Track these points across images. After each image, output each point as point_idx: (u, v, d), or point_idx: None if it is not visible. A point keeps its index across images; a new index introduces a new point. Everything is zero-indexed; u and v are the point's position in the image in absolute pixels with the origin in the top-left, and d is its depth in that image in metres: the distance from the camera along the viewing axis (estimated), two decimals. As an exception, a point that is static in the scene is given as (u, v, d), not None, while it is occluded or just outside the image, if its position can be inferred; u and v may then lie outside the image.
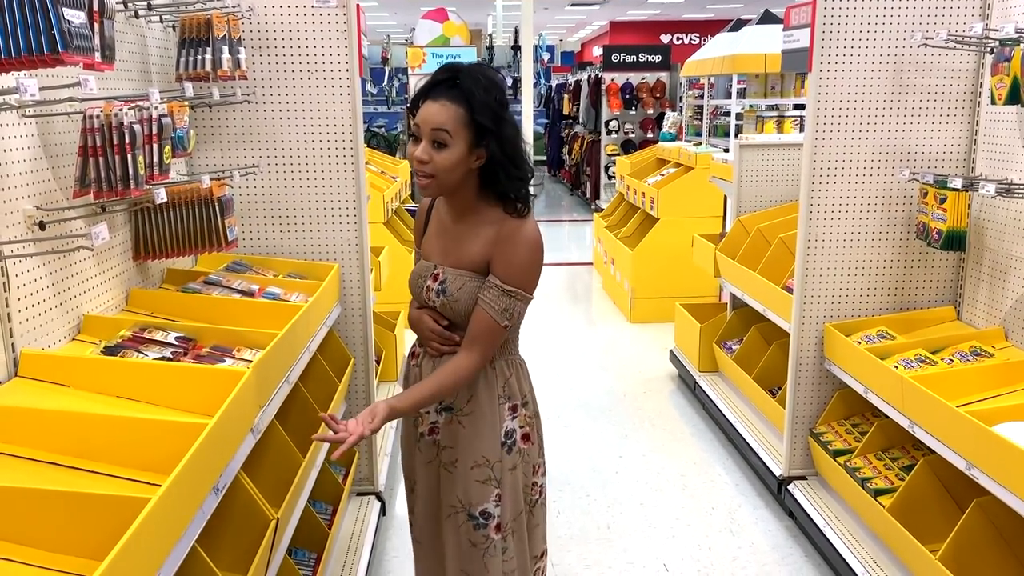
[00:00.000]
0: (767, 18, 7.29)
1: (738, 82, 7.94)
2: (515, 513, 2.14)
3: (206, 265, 3.12)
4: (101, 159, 2.03)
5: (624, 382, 5.38)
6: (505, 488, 2.10)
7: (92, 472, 1.66)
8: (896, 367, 2.93)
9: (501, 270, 1.97)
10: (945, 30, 3.01)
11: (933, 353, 3.04)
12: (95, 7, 1.92)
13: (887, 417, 3.03)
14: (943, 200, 3.03)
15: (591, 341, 6.17)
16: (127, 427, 1.70)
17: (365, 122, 15.13)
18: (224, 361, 2.18)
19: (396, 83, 17.66)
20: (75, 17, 1.72)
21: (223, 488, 1.78)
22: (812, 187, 3.31)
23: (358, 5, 3.21)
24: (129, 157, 2.04)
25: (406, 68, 12.89)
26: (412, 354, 2.21)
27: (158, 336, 2.23)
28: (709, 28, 22.74)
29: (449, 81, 1.94)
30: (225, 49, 2.82)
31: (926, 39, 3.05)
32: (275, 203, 3.29)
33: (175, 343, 2.22)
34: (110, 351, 2.09)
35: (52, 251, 2.04)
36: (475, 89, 1.91)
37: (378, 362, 4.49)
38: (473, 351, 1.99)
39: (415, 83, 11.06)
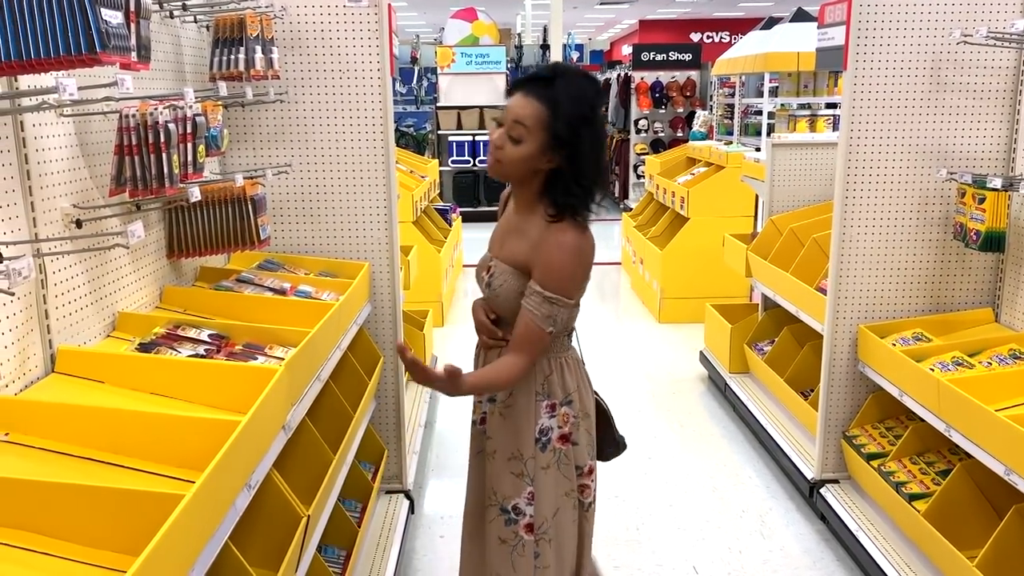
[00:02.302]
0: (800, 16, 7.21)
1: (770, 80, 7.88)
2: (550, 515, 2.09)
3: (238, 263, 3.15)
4: (136, 158, 2.05)
5: (653, 383, 5.35)
6: (538, 487, 2.08)
7: (127, 468, 1.67)
8: (932, 370, 2.89)
9: (539, 275, 1.97)
10: (984, 27, 2.95)
11: (970, 356, 2.99)
12: (131, 7, 1.94)
13: (922, 421, 2.98)
14: (982, 200, 2.98)
15: (619, 341, 6.14)
16: (161, 424, 1.71)
17: (394, 121, 15.23)
18: (256, 359, 2.19)
19: (425, 82, 17.73)
20: (113, 17, 1.73)
21: (255, 485, 1.79)
22: (847, 186, 3.26)
23: (390, 5, 3.22)
24: (164, 156, 2.06)
25: (435, 68, 12.93)
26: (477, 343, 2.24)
27: (191, 333, 2.25)
28: (739, 26, 22.57)
29: (545, 80, 1.94)
30: (258, 49, 2.84)
31: (965, 36, 3.00)
32: (307, 202, 3.30)
33: (208, 340, 2.24)
34: (144, 348, 2.11)
35: (89, 248, 2.06)
36: (563, 97, 1.92)
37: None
38: (519, 354, 2.01)
39: (445, 82, 11.10)
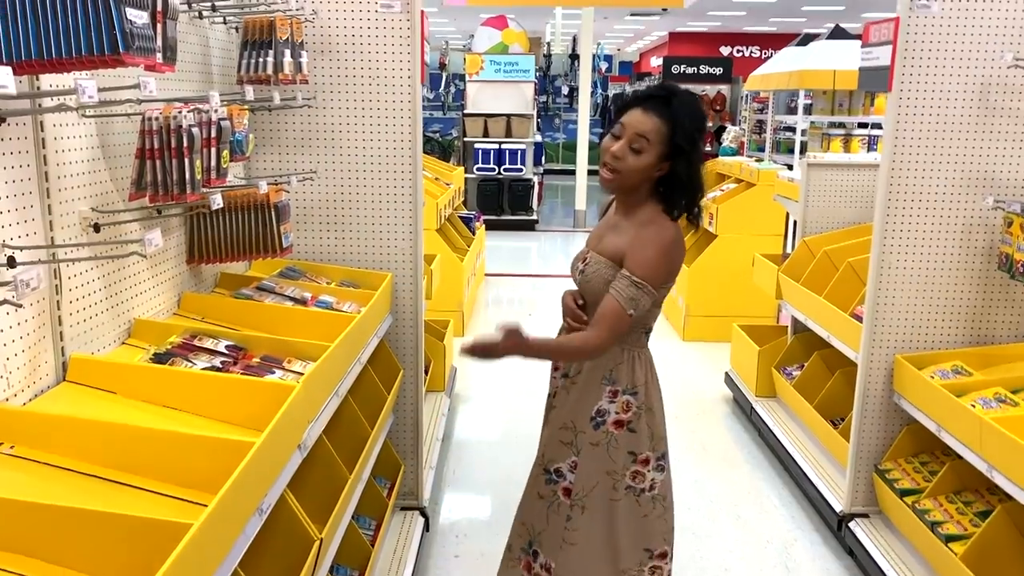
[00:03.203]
0: (837, 33, 7.08)
1: (804, 98, 7.75)
2: (589, 487, 2.25)
3: (259, 270, 3.08)
4: (158, 162, 1.99)
5: (677, 403, 5.23)
6: (582, 459, 2.26)
7: (134, 487, 1.60)
8: (974, 406, 2.77)
9: (631, 263, 2.14)
10: (1040, 51, 2.84)
11: (1013, 393, 2.86)
12: (159, 7, 1.87)
13: (960, 458, 2.86)
14: (1031, 231, 2.86)
15: (642, 358, 6.03)
16: (172, 442, 1.64)
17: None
18: (274, 372, 2.12)
19: (453, 89, 17.74)
20: (138, 18, 1.67)
21: (267, 509, 1.71)
22: (888, 211, 3.15)
23: (423, 11, 3.15)
24: (187, 161, 2.00)
25: (463, 74, 12.91)
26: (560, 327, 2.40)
27: (208, 344, 2.19)
28: (771, 41, 22.38)
29: (663, 99, 2.16)
30: (287, 52, 2.78)
31: (1018, 60, 2.88)
32: (331, 209, 3.24)
33: (225, 352, 2.17)
34: (159, 358, 2.04)
35: (104, 256, 2.00)
36: (683, 114, 2.15)
37: (426, 372, 4.43)
38: (598, 329, 2.17)
39: (473, 90, 11.05)
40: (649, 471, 2.27)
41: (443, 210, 6.71)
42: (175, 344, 2.17)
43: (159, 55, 1.89)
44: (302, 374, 2.13)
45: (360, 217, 3.24)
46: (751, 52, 22.95)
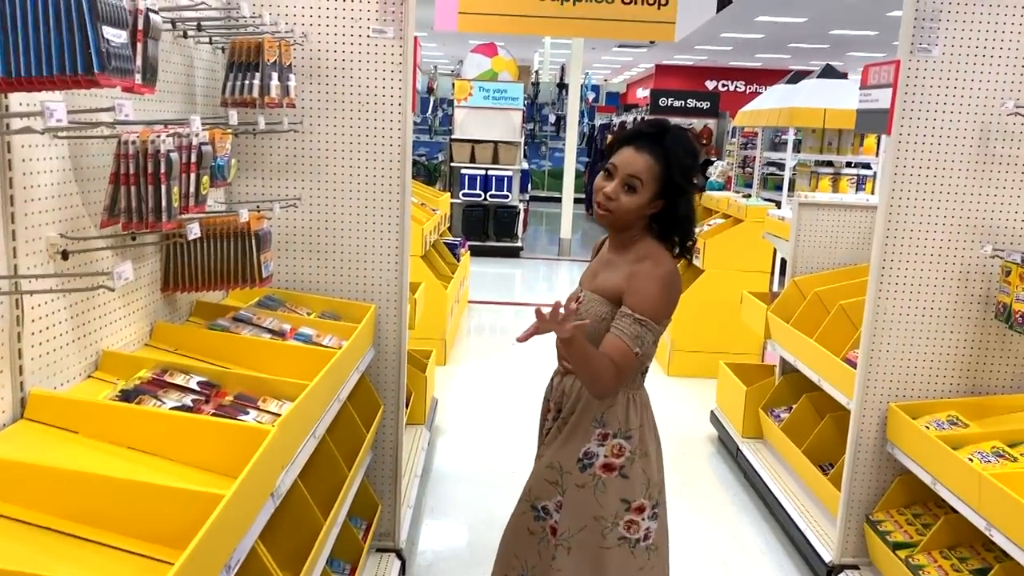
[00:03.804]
0: (828, 72, 7.10)
1: (784, 134, 7.74)
2: (575, 529, 2.18)
3: (237, 299, 2.97)
4: (133, 188, 1.88)
5: (661, 440, 5.13)
6: (568, 500, 2.19)
7: (94, 542, 1.48)
8: (971, 459, 2.69)
9: (632, 300, 2.09)
10: (1042, 99, 2.80)
11: (1011, 447, 2.79)
12: (140, 25, 1.78)
13: (955, 512, 2.78)
14: (1030, 281, 2.80)
15: (626, 393, 5.93)
16: (136, 493, 1.52)
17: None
18: (248, 413, 2.00)
19: (440, 113, 17.73)
20: (116, 36, 1.57)
21: (236, 564, 1.59)
22: (884, 256, 3.09)
23: (416, 38, 3.08)
24: (163, 187, 1.89)
25: (451, 99, 12.87)
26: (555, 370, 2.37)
27: (179, 380, 2.07)
28: (756, 77, 22.62)
29: (654, 136, 2.15)
30: (275, 75, 2.68)
31: (1019, 107, 2.84)
32: (314, 237, 3.13)
33: (197, 389, 2.05)
34: (126, 396, 1.92)
35: (69, 289, 1.88)
36: (676, 151, 2.13)
37: (407, 403, 4.31)
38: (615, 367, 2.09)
39: (461, 115, 11.01)
40: (644, 519, 2.20)
41: (428, 236, 6.61)
42: (144, 380, 2.05)
43: (138, 76, 1.79)
44: (277, 415, 2.02)
45: (344, 246, 3.14)
46: (736, 87, 23.17)
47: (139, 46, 1.78)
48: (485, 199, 11.06)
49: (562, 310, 1.95)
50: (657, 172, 2.12)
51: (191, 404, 1.97)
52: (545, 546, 2.26)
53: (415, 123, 17.51)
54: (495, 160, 11.02)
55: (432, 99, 18.04)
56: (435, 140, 16.12)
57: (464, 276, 7.81)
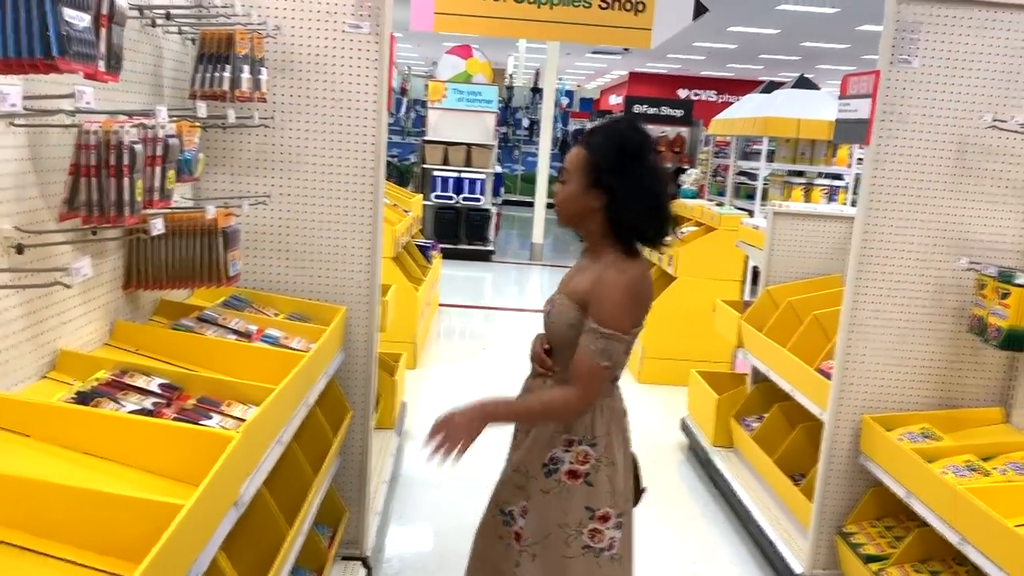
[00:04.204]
0: (802, 83, 7.14)
1: (755, 144, 7.78)
2: (540, 536, 2.17)
3: (202, 298, 2.88)
4: (94, 180, 1.80)
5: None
6: (532, 506, 2.18)
7: (44, 555, 1.39)
8: (945, 473, 2.68)
9: (595, 313, 2.06)
10: (1021, 113, 2.80)
11: (984, 460, 2.78)
12: (104, 10, 1.70)
13: (927, 525, 2.77)
14: (1005, 295, 2.80)
15: (596, 399, 5.89)
16: (90, 502, 1.44)
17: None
18: (211, 418, 1.92)
19: (413, 114, 17.63)
20: (78, 19, 1.49)
21: (195, 577, 1.51)
22: (861, 267, 3.08)
23: (392, 35, 3.01)
24: (126, 180, 1.81)
25: (424, 100, 12.77)
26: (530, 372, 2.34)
27: (140, 382, 1.98)
28: (727, 86, 22.81)
29: (591, 130, 2.18)
30: (246, 68, 2.60)
31: (997, 120, 2.84)
32: (284, 236, 3.05)
33: (158, 392, 1.97)
34: (83, 398, 1.83)
35: (23, 285, 1.79)
36: (598, 138, 2.12)
37: (376, 407, 4.23)
38: (575, 388, 2.08)
39: (434, 117, 10.93)
40: (608, 528, 2.16)
41: (400, 238, 6.53)
42: (103, 381, 1.96)
43: (102, 62, 1.71)
44: (242, 420, 1.94)
45: (314, 246, 3.06)
46: (707, 96, 23.33)
47: (103, 32, 1.70)
48: (457, 202, 10.99)
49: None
50: (583, 160, 2.10)
51: (151, 407, 1.88)
52: (512, 551, 2.22)
53: (388, 124, 17.43)
54: (468, 163, 10.95)
55: (405, 100, 17.94)
56: (407, 141, 16.02)
57: (435, 279, 7.74)
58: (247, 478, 1.85)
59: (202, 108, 2.20)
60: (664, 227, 2.12)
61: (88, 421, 1.72)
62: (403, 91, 18.37)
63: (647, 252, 2.21)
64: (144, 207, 1.98)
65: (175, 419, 1.87)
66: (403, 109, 17.54)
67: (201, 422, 1.88)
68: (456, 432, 2.07)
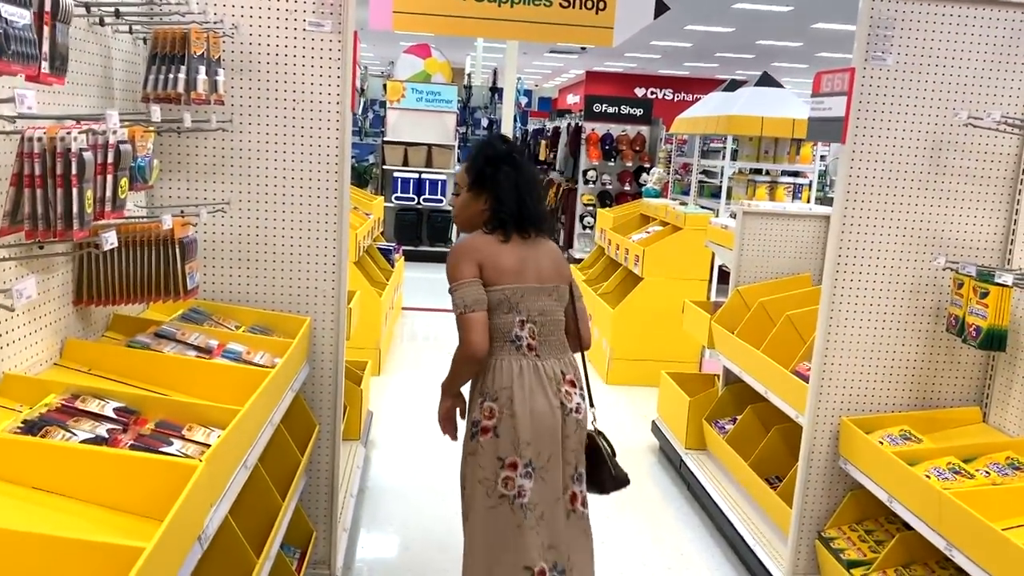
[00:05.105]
0: (765, 80, 7.13)
1: (715, 142, 7.78)
2: (469, 497, 2.48)
3: (159, 312, 2.73)
4: (39, 191, 1.66)
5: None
6: (462, 468, 2.53)
7: (-16, 607, 1.26)
8: (928, 476, 2.64)
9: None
10: (997, 110, 2.77)
11: (966, 462, 2.75)
12: (47, 7, 1.56)
13: (909, 528, 2.73)
14: (984, 295, 2.77)
15: (565, 403, 5.81)
16: (39, 547, 1.30)
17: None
18: (171, 444, 1.79)
19: (371, 115, 17.38)
20: (17, 17, 1.36)
21: (157, 624, 1.39)
22: (837, 267, 3.03)
23: (356, 32, 2.89)
24: (75, 191, 1.67)
25: (382, 100, 12.59)
26: None
27: (93, 407, 1.84)
28: (684, 85, 22.94)
29: (472, 152, 2.66)
30: (202, 69, 2.47)
31: (973, 118, 2.81)
32: (244, 245, 2.91)
33: (113, 417, 1.83)
34: (30, 428, 1.69)
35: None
36: (474, 153, 2.64)
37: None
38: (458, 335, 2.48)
39: (394, 117, 10.78)
40: (518, 476, 2.41)
41: (362, 241, 6.39)
42: (52, 407, 1.82)
43: (45, 63, 1.58)
44: (205, 445, 1.81)
45: (277, 254, 2.93)
46: (665, 94, 23.41)
47: (46, 30, 1.57)
48: (419, 203, 10.85)
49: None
50: (464, 173, 2.61)
51: (106, 435, 1.75)
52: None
53: (345, 124, 17.13)
54: (429, 163, 10.82)
55: (362, 100, 17.68)
56: (366, 142, 15.80)
57: (398, 282, 7.60)
58: (211, 509, 1.72)
59: (156, 112, 2.06)
60: (529, 214, 2.53)
61: (36, 453, 1.59)
62: (361, 91, 18.11)
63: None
64: (95, 218, 1.85)
65: (132, 447, 1.74)
66: (360, 109, 17.28)
67: (160, 449, 1.75)
68: (441, 423, 2.63)
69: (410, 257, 9.55)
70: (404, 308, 8.16)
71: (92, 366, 2.17)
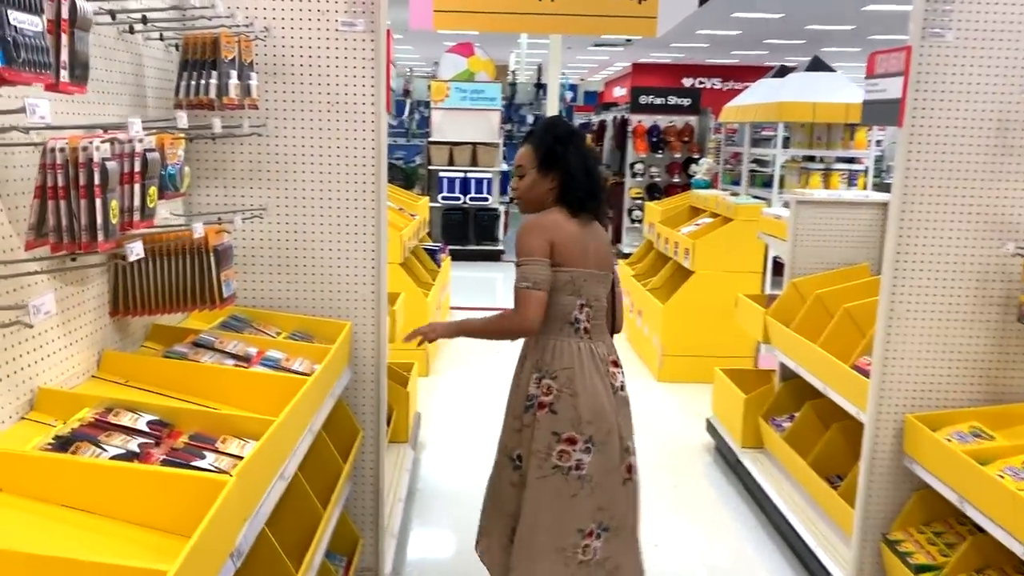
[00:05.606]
0: (816, 65, 6.91)
1: (766, 130, 7.56)
2: (526, 468, 2.53)
3: (198, 320, 2.71)
4: (63, 203, 1.62)
5: (654, 452, 4.91)
6: (523, 442, 2.55)
7: (6, 634, 1.22)
8: (1002, 476, 2.48)
9: (516, 251, 2.53)
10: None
11: (1042, 460, 2.58)
12: (64, 15, 1.53)
13: (982, 531, 2.57)
14: (1058, 281, 2.60)
15: (616, 401, 5.69)
16: (62, 572, 1.26)
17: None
18: (204, 457, 1.75)
19: (417, 116, 17.45)
20: (28, 24, 1.32)
21: (186, 648, 1.34)
22: (898, 257, 2.88)
23: (388, 30, 2.83)
24: (99, 201, 1.64)
25: (428, 101, 12.59)
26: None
27: (126, 420, 1.81)
28: (733, 73, 22.52)
29: (530, 131, 2.70)
30: (233, 74, 2.43)
31: (1042, 95, 2.64)
32: (282, 250, 2.88)
33: (146, 431, 1.80)
34: (61, 444, 1.66)
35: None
36: (538, 133, 2.64)
37: (389, 421, 4.06)
38: (514, 309, 2.50)
39: (438, 117, 10.77)
40: (575, 451, 2.48)
41: (407, 242, 6.37)
42: (85, 421, 1.79)
43: (65, 72, 1.54)
44: (239, 457, 1.77)
45: (315, 259, 2.89)
46: (713, 84, 23.02)
47: (64, 38, 1.53)
48: (465, 202, 10.82)
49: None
50: (531, 153, 2.58)
51: (137, 450, 1.71)
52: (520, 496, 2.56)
53: (391, 126, 17.21)
54: (474, 162, 10.78)
55: (408, 101, 17.76)
56: (412, 143, 15.85)
57: (445, 282, 7.57)
58: (245, 523, 1.67)
59: (183, 118, 2.03)
60: (597, 191, 2.60)
61: (65, 471, 1.56)
62: (406, 92, 18.20)
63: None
64: (123, 228, 1.81)
65: (164, 461, 1.70)
66: (407, 111, 17.37)
67: (193, 463, 1.71)
68: (432, 333, 2.66)
69: (457, 256, 9.52)
70: (452, 308, 8.12)
71: (129, 378, 2.15)
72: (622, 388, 2.64)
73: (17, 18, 1.28)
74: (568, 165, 2.53)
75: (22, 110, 1.39)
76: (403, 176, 12.97)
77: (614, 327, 2.73)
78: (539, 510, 2.50)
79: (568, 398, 2.49)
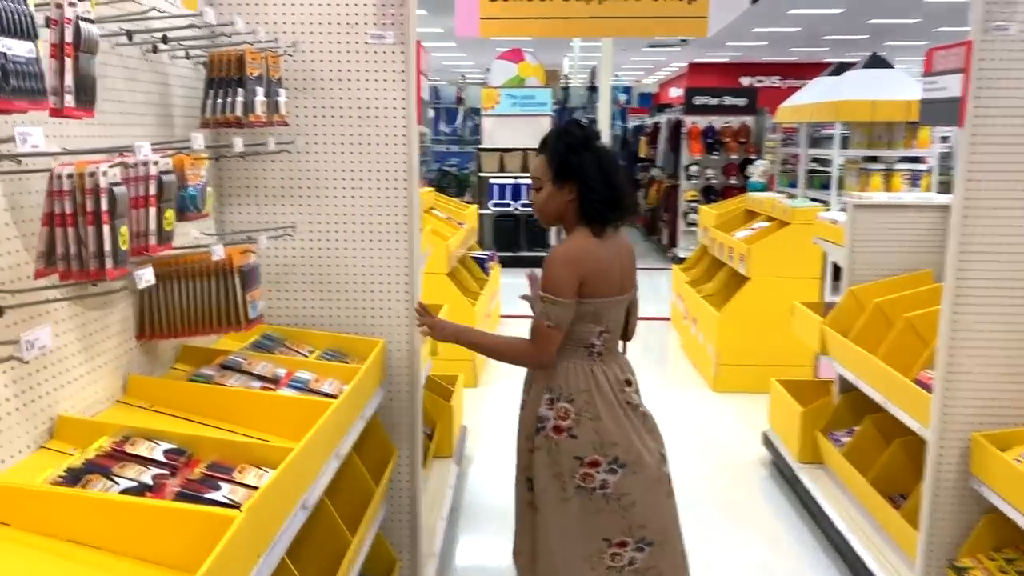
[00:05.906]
0: (875, 62, 6.65)
1: (825, 129, 7.29)
2: (540, 490, 2.47)
3: (231, 340, 2.67)
4: (71, 230, 1.59)
5: (708, 465, 4.76)
6: (534, 462, 2.49)
7: None
8: (1078, 502, 2.30)
9: (543, 282, 2.41)
10: None
11: (1124, 484, 2.39)
12: (68, 38, 1.49)
13: (1058, 560, 2.39)
14: None
15: (669, 410, 5.51)
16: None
17: (437, 161, 14.79)
18: (219, 489, 1.70)
19: (470, 123, 17.46)
20: (18, 49, 1.28)
21: None
22: (961, 265, 2.70)
23: (419, 42, 2.77)
24: (106, 228, 1.60)
25: (479, 108, 12.59)
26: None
27: (142, 450, 1.77)
28: (792, 71, 22.02)
29: (543, 141, 2.49)
30: (259, 91, 2.39)
31: (1117, 88, 2.44)
32: (314, 268, 2.84)
33: (163, 460, 1.76)
34: (72, 476, 1.63)
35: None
36: (551, 143, 2.45)
37: (431, 436, 4.00)
38: (529, 341, 2.46)
39: (489, 124, 10.74)
40: (599, 473, 2.40)
41: (454, 252, 6.31)
42: (102, 451, 1.75)
43: (70, 96, 1.51)
44: (255, 488, 1.71)
45: (347, 276, 2.84)
46: (772, 82, 22.54)
47: (68, 62, 1.50)
48: (516, 208, 10.75)
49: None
50: (544, 164, 2.43)
51: (151, 482, 1.66)
52: (538, 523, 2.52)
53: (445, 134, 17.27)
54: (524, 168, 10.71)
55: (461, 109, 17.79)
56: (466, 151, 15.86)
57: (494, 291, 7.50)
58: (259, 558, 1.61)
59: (199, 139, 1.98)
60: (620, 199, 2.42)
61: (73, 506, 1.51)
62: (459, 100, 18.24)
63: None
64: (138, 252, 1.78)
65: (178, 493, 1.65)
66: (460, 118, 17.40)
67: (207, 495, 1.66)
68: (434, 331, 2.56)
69: (508, 264, 9.44)
70: (502, 316, 8.05)
71: (154, 402, 2.12)
72: (639, 405, 2.53)
73: (6, 44, 1.24)
74: (584, 174, 2.38)
75: (9, 139, 1.35)
76: (456, 183, 12.98)
77: (626, 334, 2.61)
78: (559, 534, 2.44)
79: (588, 422, 2.41)
